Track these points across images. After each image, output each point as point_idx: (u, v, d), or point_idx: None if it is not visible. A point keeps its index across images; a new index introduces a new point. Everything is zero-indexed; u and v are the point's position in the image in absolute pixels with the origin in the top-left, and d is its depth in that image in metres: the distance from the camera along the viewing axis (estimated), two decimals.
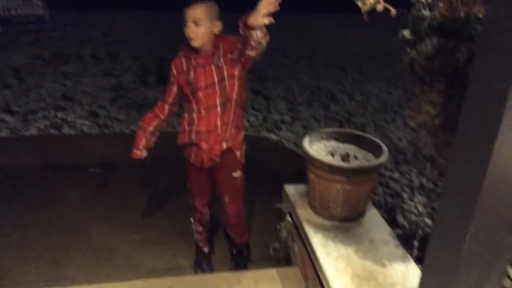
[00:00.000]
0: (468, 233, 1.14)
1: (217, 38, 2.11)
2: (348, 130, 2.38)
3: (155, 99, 4.56)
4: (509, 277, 1.93)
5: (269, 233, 2.75)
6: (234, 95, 2.16)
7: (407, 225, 2.65)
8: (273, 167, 3.60)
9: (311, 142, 2.16)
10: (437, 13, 1.48)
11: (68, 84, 5.18)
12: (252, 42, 1.88)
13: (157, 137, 2.40)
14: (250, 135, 3.82)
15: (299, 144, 3.77)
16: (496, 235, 1.18)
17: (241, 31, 1.86)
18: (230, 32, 2.11)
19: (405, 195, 3.01)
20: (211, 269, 2.69)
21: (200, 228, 2.61)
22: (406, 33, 1.65)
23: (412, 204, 2.89)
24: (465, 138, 1.14)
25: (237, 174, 2.35)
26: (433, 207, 2.82)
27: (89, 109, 4.47)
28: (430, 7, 1.52)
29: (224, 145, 2.24)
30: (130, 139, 2.45)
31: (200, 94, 2.14)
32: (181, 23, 2.07)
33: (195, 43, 2.09)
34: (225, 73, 2.11)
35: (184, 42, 2.13)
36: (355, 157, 2.16)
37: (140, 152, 2.36)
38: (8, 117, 4.43)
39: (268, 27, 1.83)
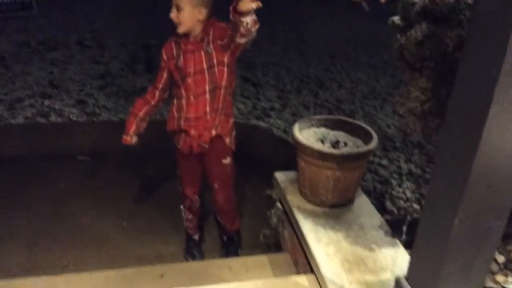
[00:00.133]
0: (456, 218, 1.16)
1: (207, 24, 2.08)
2: (337, 117, 2.38)
3: (143, 87, 4.52)
4: (496, 261, 1.96)
5: (260, 220, 2.76)
6: (224, 82, 2.15)
7: (395, 211, 2.68)
8: (263, 155, 3.59)
9: (301, 129, 2.16)
10: None
11: (55, 72, 5.10)
12: (242, 29, 1.86)
13: (147, 123, 2.38)
14: (240, 122, 3.80)
15: (288, 132, 3.77)
16: (484, 220, 1.20)
17: (231, 17, 1.84)
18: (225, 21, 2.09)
19: (393, 181, 3.04)
20: (202, 256, 2.70)
21: (190, 216, 2.61)
22: (396, 19, 1.65)
23: (400, 190, 2.92)
24: (454, 124, 1.15)
25: (227, 161, 2.35)
26: (421, 193, 2.85)
27: (77, 97, 4.41)
28: None
29: (213, 132, 2.23)
30: (118, 127, 2.43)
31: (189, 80, 2.13)
32: (165, 7, 2.04)
33: (180, 29, 2.08)
34: (215, 59, 2.10)
35: (174, 27, 2.11)
36: (345, 144, 2.17)
37: (130, 138, 2.35)
38: None
39: (258, 14, 1.82)
